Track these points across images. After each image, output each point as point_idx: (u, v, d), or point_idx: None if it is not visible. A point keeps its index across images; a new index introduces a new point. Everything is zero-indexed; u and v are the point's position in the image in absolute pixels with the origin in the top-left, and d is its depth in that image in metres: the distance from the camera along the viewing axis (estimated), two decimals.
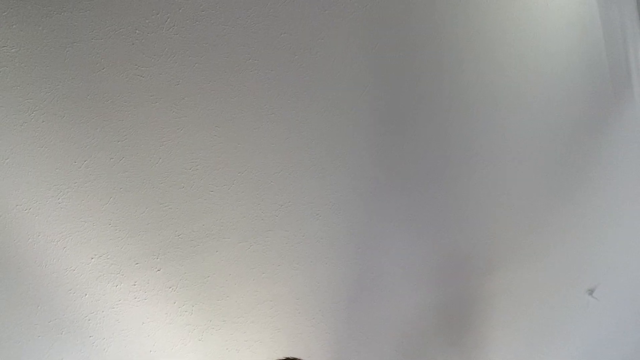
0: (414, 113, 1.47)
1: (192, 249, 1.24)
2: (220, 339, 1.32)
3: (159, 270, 1.22)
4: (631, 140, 1.94)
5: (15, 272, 1.08)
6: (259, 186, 1.29)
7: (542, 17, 1.62)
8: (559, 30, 1.66)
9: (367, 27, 1.34)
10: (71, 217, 1.11)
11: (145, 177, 1.15)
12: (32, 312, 1.11)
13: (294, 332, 1.41)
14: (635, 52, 1.82)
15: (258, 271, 1.34)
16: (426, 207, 1.57)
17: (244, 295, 1.33)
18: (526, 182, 1.75)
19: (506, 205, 1.74)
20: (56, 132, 1.05)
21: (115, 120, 1.10)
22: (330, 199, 1.39)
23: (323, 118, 1.33)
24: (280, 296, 1.38)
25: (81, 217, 1.12)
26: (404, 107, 1.45)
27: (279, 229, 1.34)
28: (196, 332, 1.30)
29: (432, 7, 1.42)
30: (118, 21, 1.05)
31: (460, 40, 1.49)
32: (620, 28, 1.78)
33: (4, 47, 0.97)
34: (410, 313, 1.67)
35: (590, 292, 2.07)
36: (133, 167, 1.14)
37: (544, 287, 1.95)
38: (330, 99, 1.33)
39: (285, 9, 1.21)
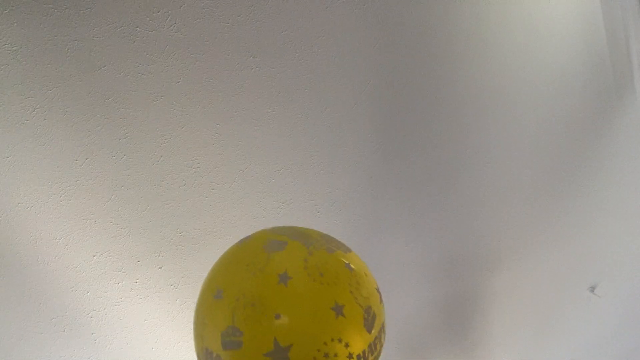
0: (415, 110, 1.46)
1: (194, 247, 1.24)
2: None
3: (160, 268, 1.22)
4: (634, 137, 1.93)
5: (18, 270, 1.08)
6: (260, 184, 1.29)
7: (545, 14, 1.61)
8: (561, 28, 1.66)
9: (368, 25, 1.33)
10: (73, 215, 1.11)
11: (146, 174, 1.16)
12: (35, 309, 1.12)
13: None
14: (637, 48, 1.81)
15: None
16: (428, 204, 1.57)
17: None
18: (528, 179, 1.75)
19: (507, 202, 1.73)
20: (57, 130, 1.05)
21: (116, 118, 1.10)
22: (331, 196, 1.39)
23: (324, 115, 1.33)
24: None
25: (83, 215, 1.12)
26: (405, 104, 1.44)
27: None
28: None
29: (434, 3, 1.42)
30: (119, 19, 1.05)
31: (462, 37, 1.49)
32: (622, 25, 1.78)
33: (5, 45, 0.97)
34: (412, 310, 1.67)
35: (592, 289, 2.07)
36: (134, 165, 1.14)
37: (545, 284, 1.95)
38: (332, 96, 1.33)
39: (286, 6, 1.21)
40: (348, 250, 0.80)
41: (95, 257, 1.15)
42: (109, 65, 1.07)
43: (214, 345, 0.68)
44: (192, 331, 1.29)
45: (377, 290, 0.77)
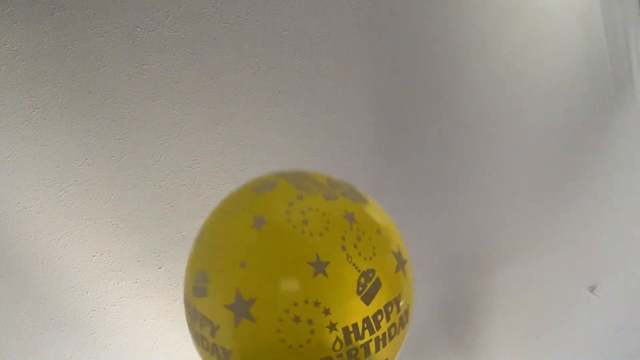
0: (415, 110, 1.46)
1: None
2: None
3: (160, 268, 1.22)
4: (634, 137, 1.93)
5: (17, 270, 1.08)
6: None
7: (545, 12, 1.61)
8: (560, 28, 1.66)
9: (368, 25, 1.33)
10: (72, 215, 1.11)
11: (146, 175, 1.16)
12: (34, 309, 1.11)
13: None
14: (637, 47, 1.81)
15: None
16: (428, 205, 1.57)
17: None
18: (527, 179, 1.75)
19: (507, 203, 1.73)
20: (57, 130, 1.05)
21: (116, 118, 1.10)
22: None
23: (324, 116, 1.33)
24: None
25: (82, 215, 1.12)
26: (405, 104, 1.44)
27: None
28: None
29: (434, 4, 1.42)
30: (119, 19, 1.05)
31: (462, 38, 1.49)
32: (622, 24, 1.78)
33: (4, 45, 0.97)
34: (412, 310, 1.67)
35: (592, 289, 2.07)
36: (134, 165, 1.14)
37: (544, 284, 1.95)
38: (332, 96, 1.33)
39: (287, 6, 1.21)
40: (363, 200, 0.63)
41: (95, 258, 1.15)
42: (108, 66, 1.07)
43: (188, 291, 0.61)
44: None
45: (396, 255, 0.60)
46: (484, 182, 1.66)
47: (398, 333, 0.59)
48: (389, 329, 0.57)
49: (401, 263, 0.61)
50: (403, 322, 0.60)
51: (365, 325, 0.54)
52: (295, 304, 0.51)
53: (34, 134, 1.03)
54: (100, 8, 1.03)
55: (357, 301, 0.53)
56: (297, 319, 0.51)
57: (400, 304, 0.59)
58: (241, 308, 0.53)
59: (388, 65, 1.39)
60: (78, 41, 1.03)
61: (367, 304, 0.54)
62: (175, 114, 1.15)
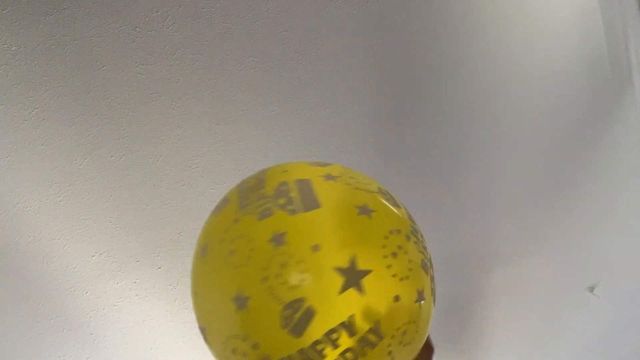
0: (415, 111, 1.46)
1: (193, 247, 1.24)
2: None
3: (159, 268, 1.22)
4: (632, 136, 1.94)
5: (16, 270, 1.08)
6: None
7: (542, 13, 1.61)
8: (559, 28, 1.66)
9: (368, 24, 1.33)
10: (72, 215, 1.11)
11: (145, 174, 1.16)
12: (33, 310, 1.11)
13: None
14: (636, 47, 1.81)
15: None
16: (427, 205, 1.57)
17: None
18: (526, 178, 1.75)
19: (506, 201, 1.73)
20: (56, 130, 1.05)
21: (115, 118, 1.10)
22: None
23: (324, 115, 1.33)
24: None
25: (82, 215, 1.12)
26: (405, 103, 1.44)
27: None
28: (197, 329, 1.30)
29: (434, 4, 1.42)
30: (118, 19, 1.05)
31: (462, 37, 1.49)
32: (621, 24, 1.78)
33: (4, 45, 0.97)
34: None
35: (591, 289, 2.07)
36: (133, 165, 1.14)
37: (544, 284, 1.95)
38: (332, 96, 1.33)
39: (286, 5, 1.21)
40: (314, 206, 0.53)
41: (94, 258, 1.15)
42: (108, 66, 1.07)
43: None
44: (191, 331, 1.29)
45: (344, 271, 0.49)
46: (483, 183, 1.66)
47: (365, 354, 0.51)
48: (342, 354, 0.50)
49: (353, 278, 0.50)
50: (371, 341, 0.51)
51: (303, 357, 0.49)
52: (228, 337, 0.51)
53: (34, 134, 1.03)
54: (99, 8, 1.03)
55: (285, 335, 0.48)
56: (234, 351, 0.51)
57: (357, 326, 0.50)
58: (201, 333, 0.58)
59: (388, 65, 1.39)
60: (77, 41, 1.03)
61: (298, 336, 0.48)
62: (175, 114, 1.15)
